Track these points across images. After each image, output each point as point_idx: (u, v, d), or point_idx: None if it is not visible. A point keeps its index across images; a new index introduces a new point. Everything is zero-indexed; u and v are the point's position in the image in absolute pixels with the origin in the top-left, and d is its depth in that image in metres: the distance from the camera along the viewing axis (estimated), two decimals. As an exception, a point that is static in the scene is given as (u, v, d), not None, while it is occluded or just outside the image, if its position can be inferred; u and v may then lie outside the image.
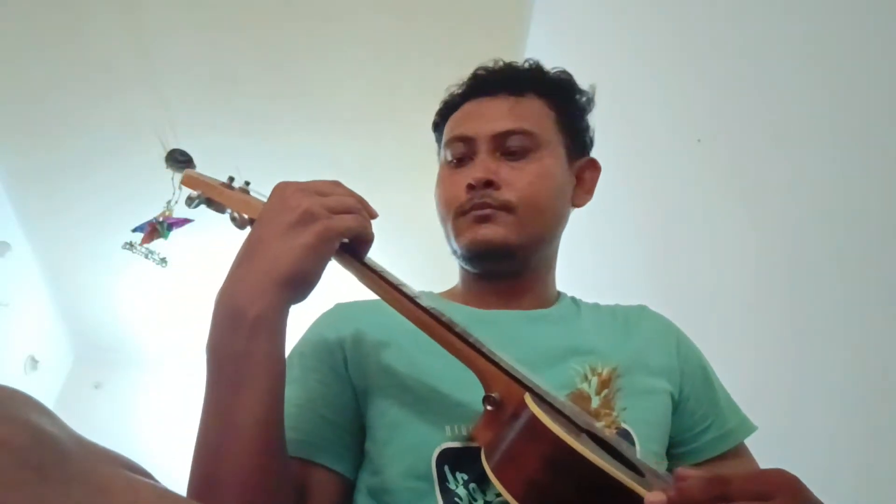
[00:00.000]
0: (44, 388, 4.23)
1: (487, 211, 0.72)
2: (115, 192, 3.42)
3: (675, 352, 0.77)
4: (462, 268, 0.80)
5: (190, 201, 0.66)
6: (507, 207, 0.72)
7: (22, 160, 3.36)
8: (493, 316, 0.74)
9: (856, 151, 0.91)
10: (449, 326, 0.57)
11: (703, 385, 0.76)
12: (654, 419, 0.68)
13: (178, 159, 3.11)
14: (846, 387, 0.91)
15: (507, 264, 0.75)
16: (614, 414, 0.65)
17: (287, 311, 0.55)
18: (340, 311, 0.75)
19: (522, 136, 0.75)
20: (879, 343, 0.85)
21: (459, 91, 0.83)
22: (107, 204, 3.48)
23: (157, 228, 3.03)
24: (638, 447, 0.64)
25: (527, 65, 0.83)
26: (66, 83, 2.95)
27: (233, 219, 0.64)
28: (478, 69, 0.83)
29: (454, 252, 0.77)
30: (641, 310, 0.86)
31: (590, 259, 2.06)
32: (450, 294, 0.82)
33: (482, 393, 0.59)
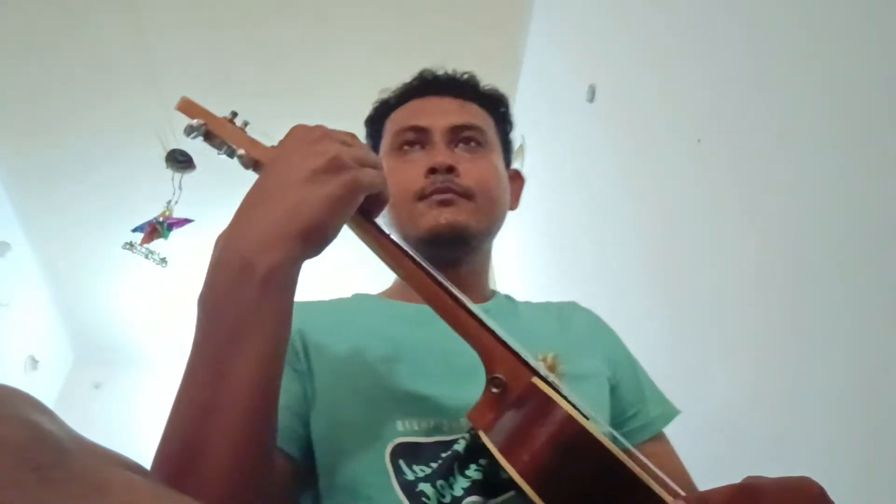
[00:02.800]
0: (44, 388, 4.23)
1: (450, 195, 0.73)
2: (115, 191, 3.42)
3: (605, 340, 0.81)
4: None
5: (190, 130, 0.59)
6: (467, 194, 0.74)
7: (22, 160, 3.36)
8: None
9: (856, 151, 0.91)
10: (458, 299, 0.55)
11: (631, 373, 0.78)
12: (598, 403, 0.70)
13: (178, 159, 3.10)
14: (846, 387, 0.91)
15: (463, 251, 0.76)
16: None
17: (300, 267, 0.50)
18: None
19: (475, 131, 0.79)
20: (879, 343, 0.85)
21: (403, 89, 0.85)
22: (107, 204, 3.48)
23: (157, 228, 3.03)
24: None
25: (465, 76, 0.86)
26: (66, 83, 2.95)
27: (240, 157, 0.58)
28: (423, 71, 0.85)
29: (406, 238, 0.75)
30: (573, 305, 0.88)
31: (590, 259, 2.06)
32: (387, 294, 0.82)
33: (431, 389, 0.60)
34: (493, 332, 0.53)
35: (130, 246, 3.19)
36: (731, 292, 1.26)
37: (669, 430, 0.78)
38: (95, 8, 2.65)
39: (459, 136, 0.79)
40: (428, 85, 0.84)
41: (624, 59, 1.82)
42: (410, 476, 0.57)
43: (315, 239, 0.49)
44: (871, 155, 0.88)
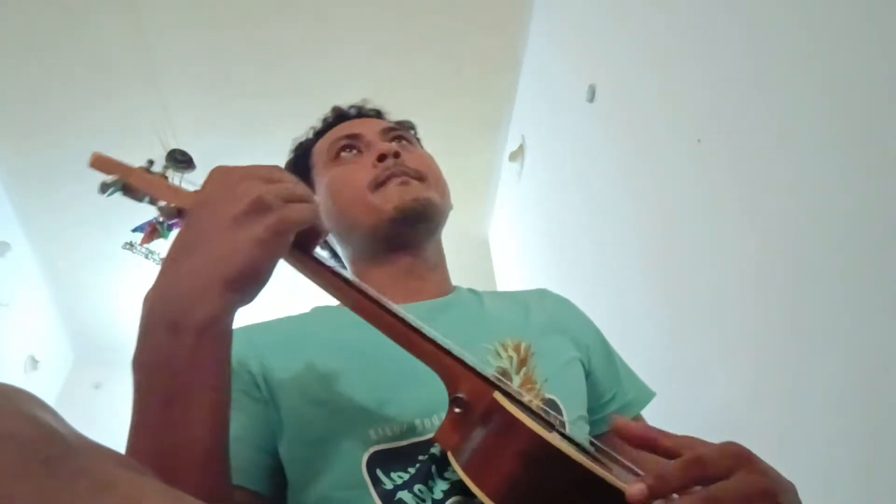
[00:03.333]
0: (44, 388, 4.23)
1: (405, 178, 0.76)
2: (115, 191, 3.42)
3: (576, 325, 0.80)
4: (362, 263, 0.79)
5: (105, 188, 0.56)
6: (419, 176, 0.77)
7: (22, 160, 3.36)
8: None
9: (856, 151, 0.91)
10: (410, 324, 0.54)
11: (604, 357, 0.78)
12: (574, 386, 0.70)
13: (178, 159, 3.10)
14: (846, 387, 0.91)
15: (428, 228, 0.77)
16: (537, 387, 0.65)
17: (233, 316, 0.48)
18: (237, 337, 0.73)
19: (405, 132, 0.85)
20: (879, 343, 0.85)
21: (321, 126, 0.89)
22: (107, 204, 3.44)
23: (157, 228, 3.03)
24: (565, 415, 0.64)
25: (373, 110, 0.91)
26: (66, 83, 2.95)
27: (160, 208, 0.56)
28: (334, 107, 0.90)
29: (366, 235, 0.75)
30: (542, 291, 0.87)
31: (590, 259, 2.06)
32: None
33: (397, 391, 0.59)
34: (447, 351, 0.52)
35: (130, 246, 3.19)
36: (731, 292, 1.26)
37: (670, 430, 0.78)
38: (95, 8, 2.65)
39: (391, 135, 0.83)
40: (344, 115, 0.89)
41: (624, 59, 1.82)
42: (389, 485, 0.56)
43: (246, 286, 0.47)
44: (871, 155, 0.88)
